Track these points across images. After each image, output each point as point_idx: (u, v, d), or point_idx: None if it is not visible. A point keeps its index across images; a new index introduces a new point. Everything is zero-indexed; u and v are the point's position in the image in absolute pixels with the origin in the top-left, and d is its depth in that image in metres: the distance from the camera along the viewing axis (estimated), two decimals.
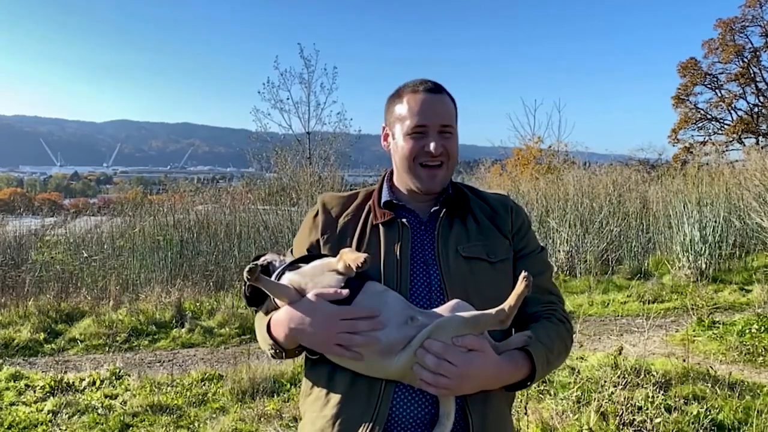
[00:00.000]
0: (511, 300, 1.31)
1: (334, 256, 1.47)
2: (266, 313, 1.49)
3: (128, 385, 5.19)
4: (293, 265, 1.45)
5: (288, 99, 19.14)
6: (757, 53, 32.52)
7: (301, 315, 1.37)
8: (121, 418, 4.45)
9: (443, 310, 1.35)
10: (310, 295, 1.37)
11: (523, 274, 1.32)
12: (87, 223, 13.75)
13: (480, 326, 1.31)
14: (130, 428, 4.37)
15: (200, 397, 4.93)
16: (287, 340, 1.42)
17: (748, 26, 32.44)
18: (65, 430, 4.34)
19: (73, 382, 5.22)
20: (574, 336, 1.57)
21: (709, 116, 34.34)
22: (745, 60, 32.54)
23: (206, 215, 12.07)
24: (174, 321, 7.30)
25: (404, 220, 1.52)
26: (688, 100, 34.10)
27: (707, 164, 14.49)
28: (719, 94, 33.83)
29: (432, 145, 1.48)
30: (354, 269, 1.35)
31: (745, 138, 32.26)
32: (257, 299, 1.49)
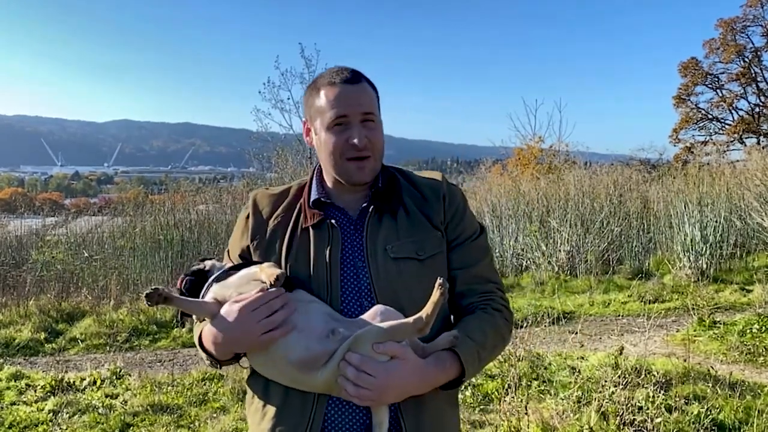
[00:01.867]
0: (427, 308, 1.29)
1: (264, 260, 1.46)
2: (200, 321, 1.47)
3: (129, 384, 5.20)
4: (222, 275, 1.43)
5: (289, 99, 19.12)
6: (758, 53, 32.50)
7: (220, 327, 1.36)
8: (122, 418, 4.45)
9: (367, 317, 1.34)
10: (224, 307, 1.36)
11: (438, 281, 1.28)
12: (88, 223, 13.75)
13: (398, 335, 1.29)
14: (131, 428, 4.38)
15: (201, 396, 4.93)
16: (218, 354, 1.41)
17: (749, 26, 32.45)
18: (66, 429, 4.35)
19: (74, 382, 5.23)
20: (512, 327, 1.53)
21: (710, 116, 34.32)
22: (746, 60, 32.52)
23: (207, 215, 12.07)
24: (175, 321, 7.30)
25: (333, 221, 1.48)
26: (689, 99, 34.08)
27: (708, 164, 14.46)
28: (720, 94, 33.82)
29: (356, 139, 1.42)
30: (269, 287, 1.34)
31: (746, 138, 32.23)
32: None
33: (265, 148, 18.40)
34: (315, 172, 1.57)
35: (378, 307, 1.35)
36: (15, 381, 5.29)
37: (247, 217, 1.56)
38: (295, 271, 1.44)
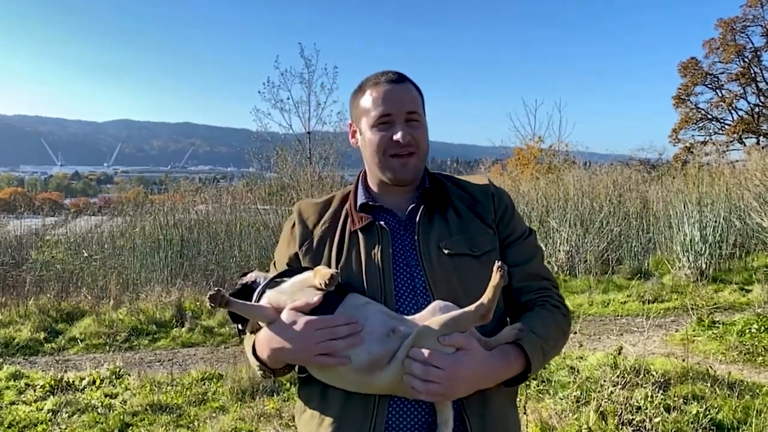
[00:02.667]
0: (488, 293, 1.27)
1: (314, 267, 1.45)
2: (252, 333, 1.47)
3: (128, 384, 5.20)
4: (273, 282, 1.42)
5: (288, 99, 19.13)
6: (758, 53, 32.50)
7: (279, 333, 1.34)
8: (121, 417, 4.45)
9: (425, 313, 1.32)
10: (284, 312, 1.35)
11: (497, 264, 1.27)
12: (87, 223, 13.77)
13: (461, 325, 1.27)
14: (130, 427, 4.38)
15: (200, 396, 4.93)
16: (271, 361, 1.40)
17: (749, 26, 32.44)
18: (65, 429, 4.35)
19: (73, 382, 5.23)
20: (571, 322, 1.52)
21: (709, 116, 34.33)
22: (746, 60, 32.52)
23: (207, 215, 12.09)
24: (174, 320, 7.32)
25: (382, 222, 1.48)
26: (688, 100, 34.09)
27: (708, 164, 14.49)
28: (720, 94, 33.83)
29: (399, 134, 1.43)
30: (324, 287, 1.32)
31: (745, 138, 32.25)
32: (242, 316, 1.45)
33: (265, 148, 18.41)
34: (359, 178, 1.59)
35: (437, 303, 1.33)
36: (14, 380, 5.29)
37: (293, 226, 1.57)
38: (346, 275, 1.43)
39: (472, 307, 1.28)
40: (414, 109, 1.47)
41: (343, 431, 1.36)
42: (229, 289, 1.45)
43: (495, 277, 1.27)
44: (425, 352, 1.24)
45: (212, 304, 1.30)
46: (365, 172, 1.58)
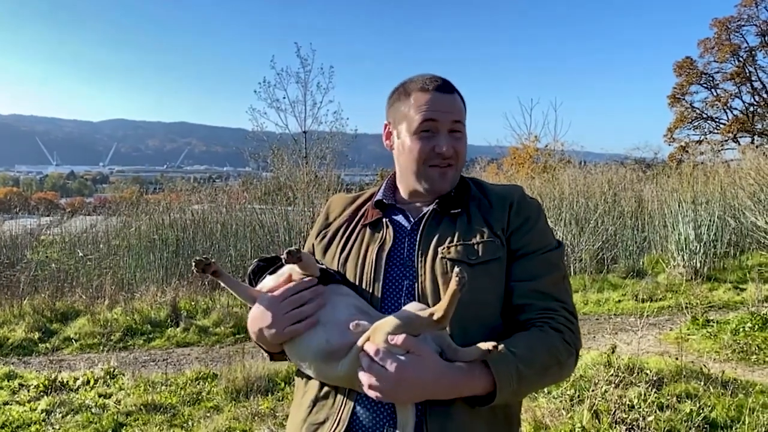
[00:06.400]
0: (444, 300, 1.23)
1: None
2: None
3: (122, 384, 5.19)
4: (278, 268, 1.45)
5: (284, 98, 19.17)
6: (753, 52, 32.63)
7: (255, 314, 1.38)
8: (115, 417, 4.45)
9: (397, 314, 1.30)
10: (260, 297, 1.39)
11: (456, 270, 1.20)
12: (83, 223, 13.71)
13: (413, 328, 1.24)
14: (124, 427, 4.37)
15: (194, 396, 4.93)
16: (259, 343, 1.43)
17: (743, 25, 32.57)
18: (59, 429, 4.34)
19: (67, 382, 5.21)
20: (578, 351, 1.40)
21: (704, 115, 34.45)
22: (741, 59, 32.64)
23: (202, 214, 12.06)
24: (169, 320, 7.30)
25: (387, 220, 1.48)
26: (683, 99, 34.19)
27: (702, 163, 14.55)
28: (715, 94, 33.95)
29: (444, 147, 1.41)
30: (283, 260, 1.34)
31: (740, 137, 32.36)
32: None
33: (261, 148, 18.42)
34: (389, 178, 1.59)
35: (413, 304, 1.32)
36: (8, 381, 5.27)
37: (320, 217, 1.62)
38: (345, 266, 1.45)
39: (425, 312, 1.25)
40: (459, 118, 1.45)
41: (313, 417, 1.39)
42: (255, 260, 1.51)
43: (452, 284, 1.22)
44: (374, 348, 1.23)
45: (196, 269, 1.33)
46: (395, 175, 1.57)
